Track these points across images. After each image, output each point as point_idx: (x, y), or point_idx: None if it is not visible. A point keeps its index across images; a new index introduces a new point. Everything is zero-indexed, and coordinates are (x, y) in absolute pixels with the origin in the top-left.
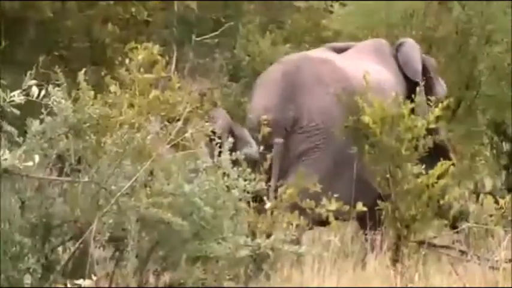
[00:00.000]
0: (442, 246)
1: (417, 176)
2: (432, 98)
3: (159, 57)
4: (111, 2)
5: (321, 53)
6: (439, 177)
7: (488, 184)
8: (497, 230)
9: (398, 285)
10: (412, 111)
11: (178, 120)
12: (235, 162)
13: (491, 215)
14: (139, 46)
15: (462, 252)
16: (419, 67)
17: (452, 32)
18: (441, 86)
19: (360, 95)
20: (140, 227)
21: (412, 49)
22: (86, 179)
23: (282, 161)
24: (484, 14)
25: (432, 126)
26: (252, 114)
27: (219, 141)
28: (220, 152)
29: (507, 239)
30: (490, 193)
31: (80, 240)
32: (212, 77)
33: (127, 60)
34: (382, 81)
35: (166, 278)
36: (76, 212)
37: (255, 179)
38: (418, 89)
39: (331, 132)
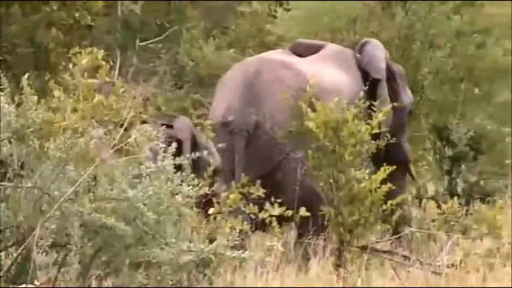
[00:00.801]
0: (385, 251)
1: (360, 181)
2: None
3: (103, 62)
4: (55, 7)
5: (281, 55)
6: (382, 183)
7: (431, 189)
8: (439, 235)
9: None
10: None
11: (122, 125)
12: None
13: (433, 220)
14: (83, 51)
15: (405, 257)
16: (382, 65)
17: (396, 37)
18: (407, 95)
19: (304, 100)
20: (83, 232)
21: (375, 48)
22: (29, 184)
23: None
24: (427, 19)
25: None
26: (213, 117)
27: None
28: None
29: (449, 243)
30: (433, 198)
31: (23, 246)
32: (156, 82)
33: (71, 65)
34: (340, 84)
35: (109, 283)
36: (19, 217)
37: (198, 184)
38: (379, 84)
39: None
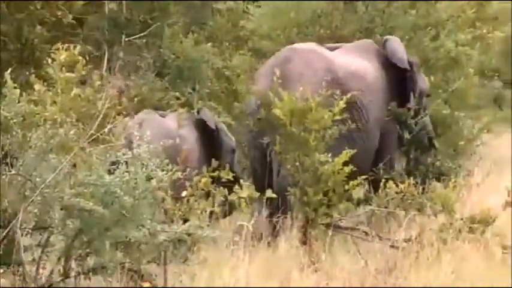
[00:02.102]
0: (347, 228)
1: (324, 163)
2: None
3: (79, 58)
4: (38, 6)
5: (309, 45)
6: (344, 165)
7: None
8: (397, 212)
9: (306, 265)
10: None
11: (98, 116)
12: None
13: (392, 199)
14: (60, 47)
15: (365, 233)
16: (405, 56)
17: (357, 30)
18: (423, 81)
19: (272, 90)
20: (64, 215)
21: (396, 43)
22: (13, 172)
23: None
24: (386, 13)
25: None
26: (250, 100)
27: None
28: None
29: (406, 220)
30: (392, 178)
31: (7, 229)
32: (140, 74)
33: (50, 61)
34: (363, 73)
35: (90, 262)
36: (3, 203)
37: (172, 170)
38: (408, 74)
39: None
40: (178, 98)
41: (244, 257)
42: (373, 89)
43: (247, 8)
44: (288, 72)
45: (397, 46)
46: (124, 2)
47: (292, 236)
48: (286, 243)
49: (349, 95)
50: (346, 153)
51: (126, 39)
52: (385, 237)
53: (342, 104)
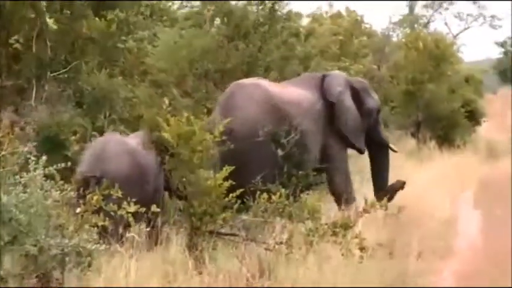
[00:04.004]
0: (228, 234)
1: (207, 179)
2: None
3: None
4: None
5: (252, 80)
6: (224, 180)
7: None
8: (270, 220)
9: (191, 267)
10: None
11: None
12: None
13: (266, 208)
14: None
15: (243, 238)
16: (337, 90)
17: (240, 64)
18: (372, 99)
19: (162, 116)
20: None
21: (333, 78)
22: None
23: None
24: (264, 49)
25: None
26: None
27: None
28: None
29: (278, 226)
30: (267, 190)
31: None
32: (62, 103)
33: None
34: (302, 101)
35: None
36: None
37: (66, 189)
38: (335, 105)
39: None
40: (93, 123)
41: (136, 263)
42: (307, 113)
43: (146, 47)
44: (232, 104)
45: (331, 82)
46: (49, 43)
47: (180, 243)
48: (175, 249)
49: (226, 121)
50: (226, 170)
51: (51, 74)
52: (260, 241)
53: (221, 127)
